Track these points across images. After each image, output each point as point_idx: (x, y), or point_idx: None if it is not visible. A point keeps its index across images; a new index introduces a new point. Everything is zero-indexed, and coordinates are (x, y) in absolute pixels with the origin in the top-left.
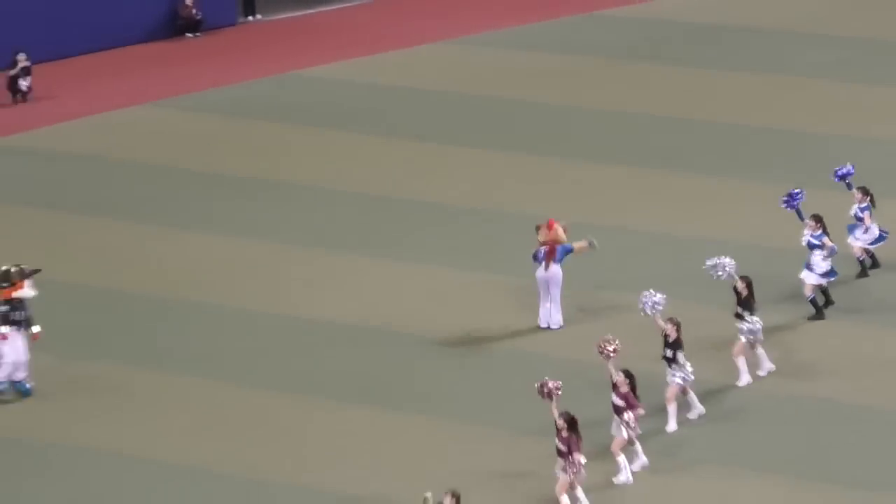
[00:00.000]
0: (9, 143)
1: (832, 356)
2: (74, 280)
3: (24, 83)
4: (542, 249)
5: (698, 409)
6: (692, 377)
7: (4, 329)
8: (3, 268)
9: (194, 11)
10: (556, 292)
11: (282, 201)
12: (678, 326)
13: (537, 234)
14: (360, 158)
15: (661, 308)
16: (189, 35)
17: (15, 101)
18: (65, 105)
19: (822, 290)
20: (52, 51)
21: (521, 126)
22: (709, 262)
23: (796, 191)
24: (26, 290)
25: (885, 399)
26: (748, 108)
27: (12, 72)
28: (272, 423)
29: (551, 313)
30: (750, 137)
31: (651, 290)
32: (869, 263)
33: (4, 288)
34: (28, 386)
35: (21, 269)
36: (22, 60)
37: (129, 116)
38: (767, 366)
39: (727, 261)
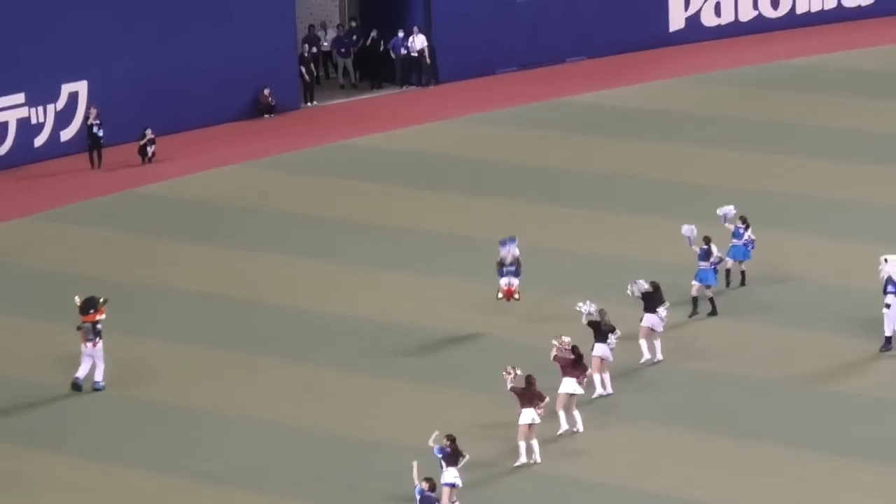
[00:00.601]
0: (140, 191)
1: (718, 342)
2: (186, 287)
3: (150, 149)
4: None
5: (607, 389)
6: (610, 354)
7: (97, 339)
8: (92, 297)
9: (270, 99)
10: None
11: (333, 232)
12: (602, 314)
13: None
14: (385, 202)
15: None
16: (266, 116)
17: (143, 162)
18: (179, 165)
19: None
20: (170, 126)
21: (498, 177)
22: (629, 288)
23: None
24: (103, 315)
25: (761, 371)
26: (658, 167)
27: (142, 141)
28: (315, 388)
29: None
30: (655, 187)
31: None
32: (740, 279)
33: (91, 313)
34: (103, 385)
35: (104, 299)
36: (149, 134)
37: (225, 173)
38: (659, 356)
39: (642, 283)
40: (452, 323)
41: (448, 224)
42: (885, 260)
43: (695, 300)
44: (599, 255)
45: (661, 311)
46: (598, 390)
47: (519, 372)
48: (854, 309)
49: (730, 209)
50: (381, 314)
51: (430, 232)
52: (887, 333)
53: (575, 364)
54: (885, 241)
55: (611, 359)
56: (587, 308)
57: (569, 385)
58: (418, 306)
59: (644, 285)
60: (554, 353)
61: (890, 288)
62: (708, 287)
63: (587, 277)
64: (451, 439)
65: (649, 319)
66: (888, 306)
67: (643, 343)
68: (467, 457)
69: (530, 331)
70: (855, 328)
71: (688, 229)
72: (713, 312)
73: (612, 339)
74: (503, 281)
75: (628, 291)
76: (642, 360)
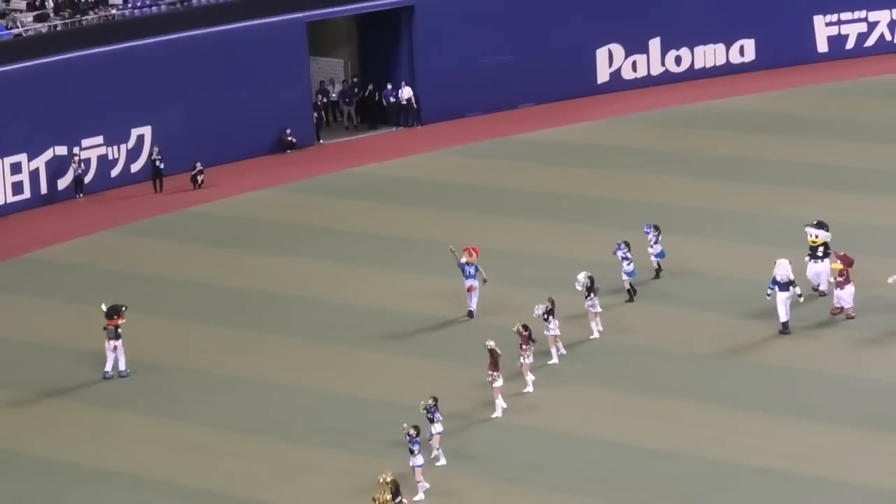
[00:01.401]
0: (192, 210)
1: (639, 321)
2: (231, 284)
3: (199, 178)
4: (469, 267)
5: (557, 356)
6: (558, 331)
7: (118, 340)
8: (116, 305)
9: (291, 138)
10: (476, 293)
11: (341, 240)
12: (552, 302)
13: (460, 255)
14: (382, 215)
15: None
16: (288, 151)
17: (195, 188)
18: (222, 190)
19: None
20: (215, 159)
21: (469, 197)
22: (578, 281)
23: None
24: (124, 320)
25: (676, 344)
26: (591, 187)
27: (193, 172)
28: (335, 363)
29: (473, 302)
30: (590, 203)
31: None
32: (657, 271)
33: (114, 318)
34: (127, 372)
35: (125, 307)
36: (198, 166)
37: (257, 196)
38: (599, 329)
39: (581, 277)
40: (435, 310)
41: (432, 233)
42: (778, 263)
43: (629, 290)
44: (547, 256)
45: (595, 301)
46: (554, 361)
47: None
48: (742, 296)
49: (581, 278)
50: (379, 303)
51: (418, 239)
52: (783, 319)
53: (528, 339)
54: (765, 243)
55: (557, 333)
56: (540, 309)
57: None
58: (408, 297)
59: (585, 280)
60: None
61: (770, 284)
62: (630, 279)
63: (538, 273)
64: (435, 399)
65: (593, 303)
66: (768, 296)
67: (593, 325)
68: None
69: (496, 315)
70: (743, 310)
71: (578, 280)
72: (630, 300)
73: (555, 320)
74: (467, 282)
75: (577, 286)
76: (592, 336)
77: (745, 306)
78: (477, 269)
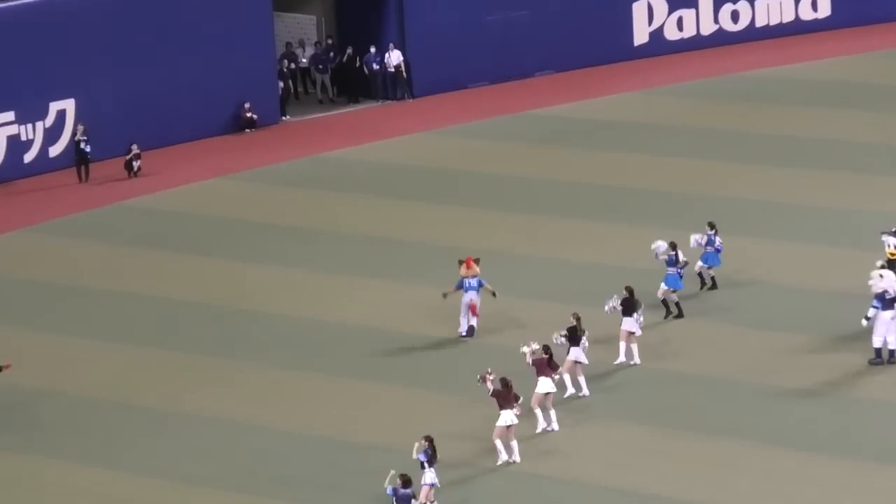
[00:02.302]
0: (126, 204)
1: (686, 343)
2: (173, 297)
3: (136, 164)
4: (468, 280)
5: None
6: (585, 357)
7: None
8: None
9: (250, 114)
10: (477, 310)
11: (311, 242)
12: (578, 319)
13: (459, 268)
14: (363, 212)
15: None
16: (247, 130)
17: (130, 177)
18: (164, 178)
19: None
20: (155, 141)
21: (473, 189)
22: (607, 305)
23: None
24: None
25: (715, 369)
26: (625, 176)
27: (128, 156)
28: (303, 393)
29: (469, 322)
30: (623, 195)
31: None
32: (709, 284)
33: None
34: None
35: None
36: (134, 149)
37: (207, 186)
38: (636, 359)
39: (615, 299)
40: (429, 328)
41: (423, 233)
42: (881, 275)
43: (665, 303)
44: (571, 262)
45: (638, 315)
46: (570, 390)
47: (493, 377)
48: (816, 311)
49: (661, 244)
50: (359, 320)
51: (407, 241)
52: (876, 345)
53: (548, 363)
54: (843, 245)
55: (585, 361)
56: (559, 339)
57: (545, 384)
58: (395, 313)
59: (617, 302)
60: (529, 358)
61: (875, 303)
62: (674, 291)
63: (559, 283)
64: (429, 440)
65: (628, 324)
66: (867, 319)
67: (623, 345)
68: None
69: (503, 335)
70: (819, 329)
71: (658, 246)
72: (679, 315)
73: (584, 342)
74: (466, 297)
75: (606, 308)
76: (616, 361)
77: (821, 324)
78: (480, 284)
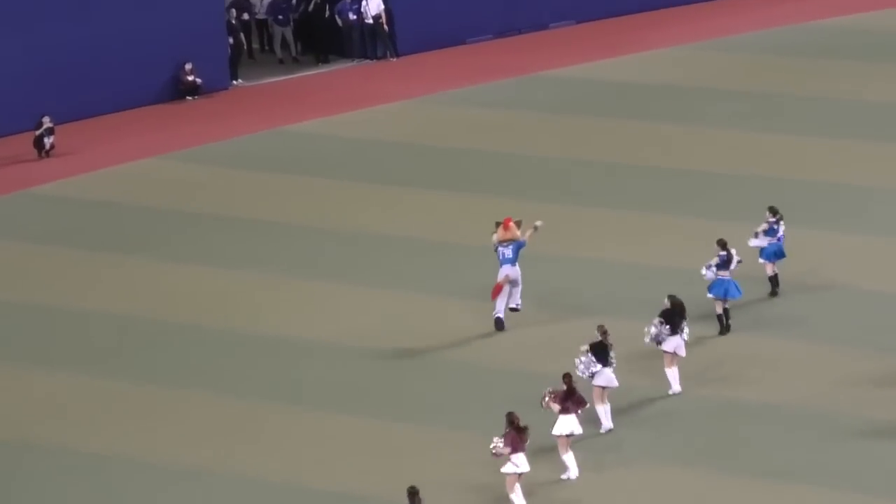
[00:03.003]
0: (35, 192)
1: (741, 364)
2: (92, 307)
3: (48, 141)
4: (503, 247)
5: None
6: (615, 380)
7: None
8: None
9: (192, 77)
10: (517, 289)
11: (269, 238)
12: (604, 333)
13: (495, 230)
14: (335, 199)
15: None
16: (189, 98)
17: (40, 157)
18: (83, 159)
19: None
20: (72, 112)
21: (474, 171)
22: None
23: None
24: None
25: (781, 398)
26: (663, 153)
27: (38, 131)
28: (262, 429)
29: (512, 298)
30: (661, 177)
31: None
32: (771, 287)
33: None
34: None
35: None
36: (46, 122)
37: (138, 168)
38: (677, 387)
39: (655, 324)
40: (424, 348)
41: (412, 226)
42: None
43: (720, 318)
44: (598, 261)
45: (683, 331)
46: (606, 424)
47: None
48: None
49: (654, 328)
50: (331, 335)
51: (390, 236)
52: None
53: (570, 396)
54: None
55: (615, 384)
56: (581, 366)
57: (568, 424)
58: (378, 326)
59: (660, 327)
60: (549, 401)
61: None
62: (725, 301)
63: (585, 287)
64: (412, 494)
65: (673, 343)
66: None
67: (671, 373)
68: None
69: (522, 357)
70: None
71: (650, 330)
72: (724, 330)
73: (613, 359)
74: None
75: (647, 339)
76: (671, 391)
77: None
78: (519, 248)
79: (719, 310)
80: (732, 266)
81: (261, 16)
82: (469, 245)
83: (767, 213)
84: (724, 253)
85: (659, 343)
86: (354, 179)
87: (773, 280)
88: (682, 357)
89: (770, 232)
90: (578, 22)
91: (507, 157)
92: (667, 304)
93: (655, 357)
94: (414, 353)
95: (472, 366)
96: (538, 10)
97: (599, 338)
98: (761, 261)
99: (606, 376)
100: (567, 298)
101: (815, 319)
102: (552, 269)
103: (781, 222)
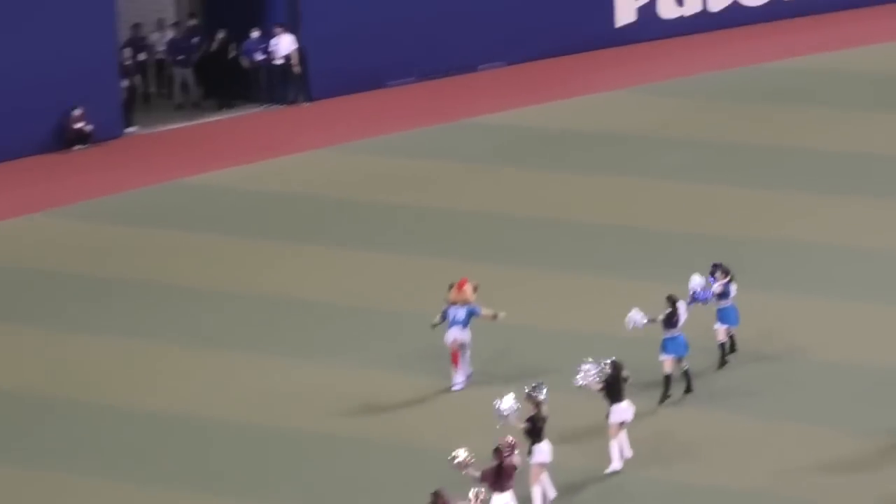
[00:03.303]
0: None
1: (693, 438)
2: None
3: None
4: (455, 309)
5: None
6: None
7: None
8: None
9: (82, 125)
10: (466, 354)
11: (167, 304)
12: (536, 403)
13: (448, 292)
14: (240, 261)
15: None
16: (77, 147)
17: None
18: None
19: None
20: None
21: (393, 227)
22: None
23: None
24: None
25: (732, 480)
26: (600, 208)
27: None
28: None
29: (460, 371)
30: (598, 235)
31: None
32: (726, 352)
33: None
34: None
35: None
36: None
37: (19, 225)
38: (625, 455)
39: (590, 367)
40: (340, 430)
41: (321, 289)
42: None
43: (667, 379)
44: (529, 328)
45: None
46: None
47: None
48: (873, 398)
49: (636, 315)
50: (233, 414)
51: (297, 300)
52: None
53: (499, 473)
54: None
55: (548, 460)
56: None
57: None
58: (284, 400)
59: (598, 374)
60: (469, 469)
61: None
62: (680, 359)
63: (515, 354)
64: None
65: (619, 412)
66: None
67: (615, 446)
68: None
69: (443, 431)
70: (874, 424)
71: (632, 318)
72: (688, 389)
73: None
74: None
75: (579, 382)
76: (608, 470)
77: (878, 417)
78: (472, 314)
79: (668, 370)
80: (680, 324)
81: (159, 56)
82: (386, 310)
83: (717, 273)
84: (669, 310)
85: (595, 386)
86: (259, 237)
87: (724, 347)
88: (627, 423)
89: (723, 295)
90: (510, 63)
91: (429, 212)
92: (608, 370)
93: (594, 432)
94: (326, 429)
95: (396, 444)
96: (466, 51)
97: (533, 411)
98: (717, 326)
99: (544, 452)
100: (493, 366)
101: (769, 392)
102: (478, 335)
103: (733, 283)
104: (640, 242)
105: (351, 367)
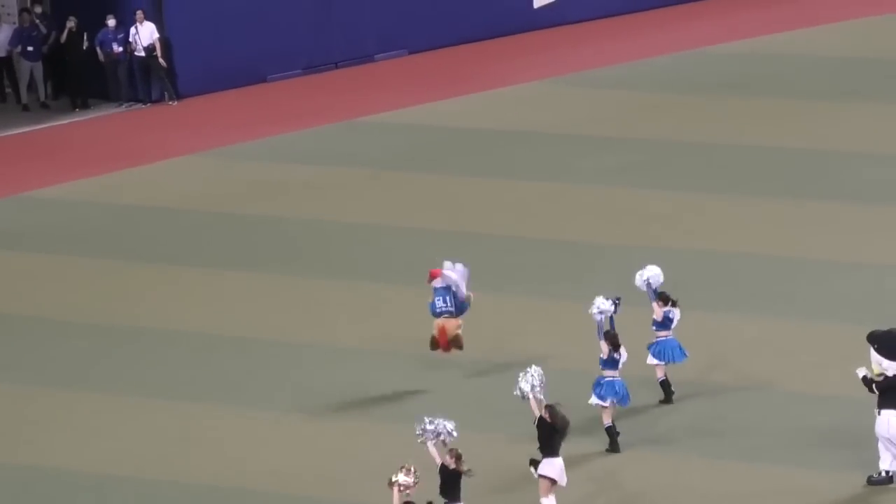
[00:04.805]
0: None
1: (644, 488)
2: None
3: None
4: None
5: None
6: None
7: None
8: None
9: None
10: None
11: (11, 335)
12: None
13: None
14: (105, 287)
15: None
16: None
17: None
18: None
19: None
20: None
21: (274, 244)
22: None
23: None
24: None
25: None
26: (521, 220)
27: None
28: None
29: None
30: (523, 249)
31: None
32: (664, 388)
33: None
34: None
35: None
36: None
37: None
38: None
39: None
40: (223, 481)
41: (196, 317)
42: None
43: (610, 432)
44: (445, 361)
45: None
46: None
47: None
48: (840, 433)
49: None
50: (93, 464)
51: (170, 331)
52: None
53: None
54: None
55: (563, 482)
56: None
57: None
58: (153, 452)
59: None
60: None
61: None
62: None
63: (432, 388)
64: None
65: (553, 467)
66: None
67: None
68: None
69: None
70: (840, 462)
71: (598, 306)
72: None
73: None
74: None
75: (524, 386)
76: None
77: (843, 456)
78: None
79: (608, 420)
80: (620, 365)
81: (3, 52)
82: (279, 339)
83: (655, 302)
84: (668, 309)
85: (525, 397)
86: (120, 257)
87: (666, 384)
88: (562, 486)
89: (664, 324)
90: (412, 52)
91: (317, 226)
92: (545, 416)
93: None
94: (194, 483)
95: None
96: (360, 39)
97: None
98: (652, 361)
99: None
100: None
101: (721, 431)
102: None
103: (676, 309)
104: (562, 257)
105: (242, 409)
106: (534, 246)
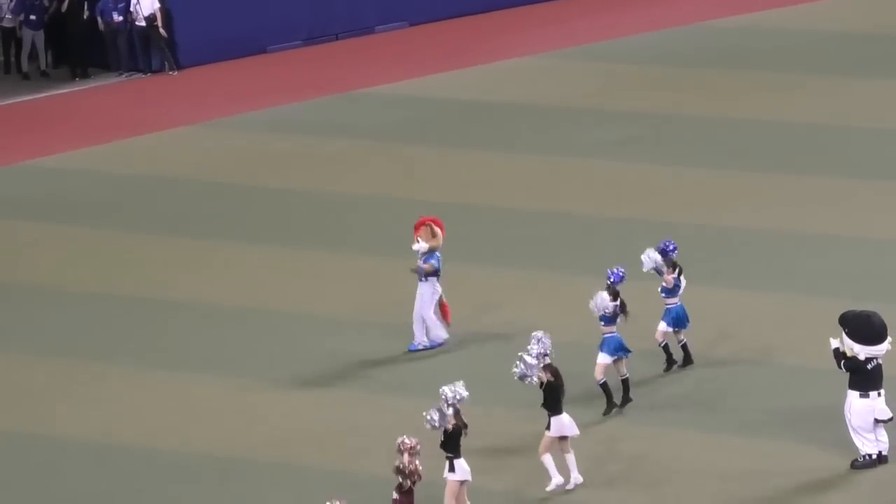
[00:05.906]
0: None
1: (642, 457)
2: None
3: None
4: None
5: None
6: None
7: None
8: None
9: None
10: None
11: (10, 304)
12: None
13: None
14: (100, 256)
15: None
16: None
17: None
18: None
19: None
20: None
21: (277, 215)
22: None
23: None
24: None
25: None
26: (524, 193)
27: None
28: None
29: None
30: (525, 223)
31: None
32: (683, 356)
33: None
34: None
35: None
36: None
37: None
38: (577, 476)
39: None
40: (228, 452)
41: (202, 288)
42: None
43: (604, 387)
44: (468, 334)
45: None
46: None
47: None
48: (839, 405)
49: (603, 297)
50: (101, 432)
51: (169, 302)
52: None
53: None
54: (886, 298)
55: (576, 432)
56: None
57: None
58: (167, 420)
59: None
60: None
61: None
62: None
63: (425, 364)
64: None
65: (559, 424)
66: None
67: (547, 460)
68: None
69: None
70: (834, 437)
71: (599, 300)
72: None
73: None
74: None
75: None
76: (549, 487)
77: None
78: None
79: (600, 376)
80: (619, 321)
81: (7, 23)
82: (278, 310)
83: (667, 267)
84: (675, 276)
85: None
86: (119, 227)
87: (685, 349)
88: (571, 437)
89: (671, 290)
90: (413, 24)
91: (317, 197)
92: (545, 378)
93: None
94: (200, 454)
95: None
96: (361, 10)
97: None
98: (664, 328)
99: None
100: (382, 374)
101: (723, 404)
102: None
103: (682, 277)
104: (565, 230)
105: (241, 380)
106: (534, 218)
